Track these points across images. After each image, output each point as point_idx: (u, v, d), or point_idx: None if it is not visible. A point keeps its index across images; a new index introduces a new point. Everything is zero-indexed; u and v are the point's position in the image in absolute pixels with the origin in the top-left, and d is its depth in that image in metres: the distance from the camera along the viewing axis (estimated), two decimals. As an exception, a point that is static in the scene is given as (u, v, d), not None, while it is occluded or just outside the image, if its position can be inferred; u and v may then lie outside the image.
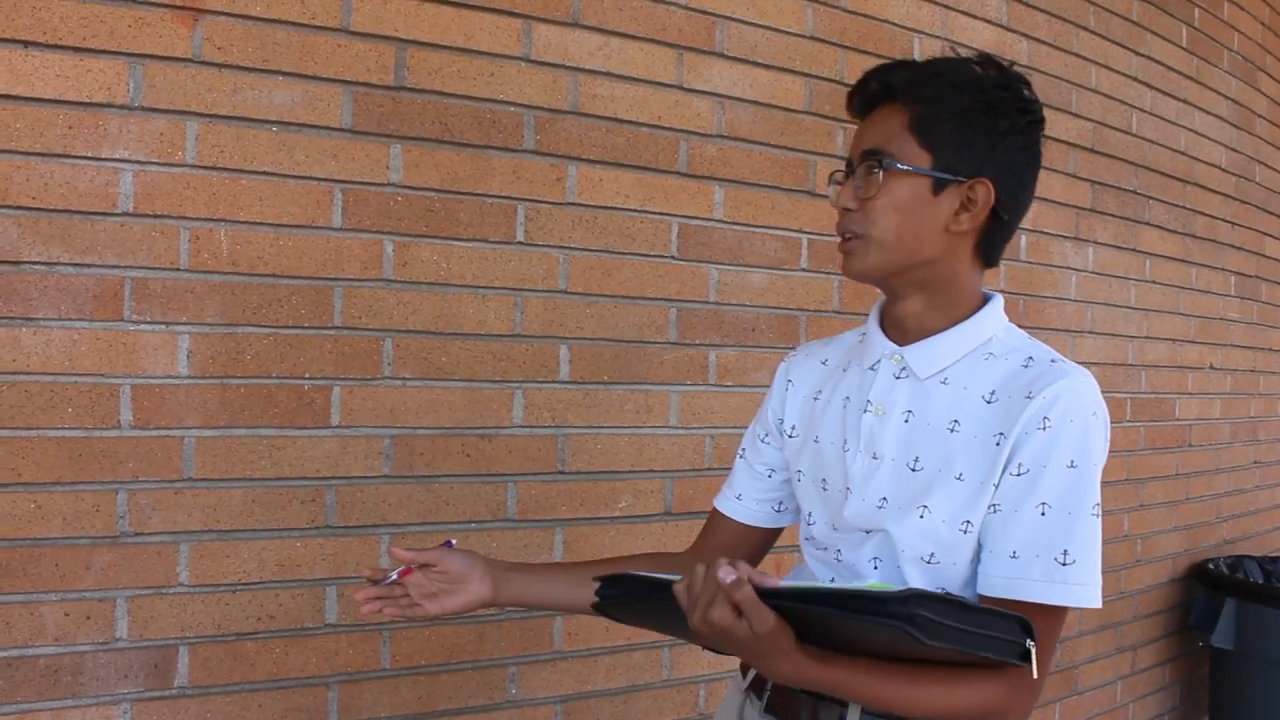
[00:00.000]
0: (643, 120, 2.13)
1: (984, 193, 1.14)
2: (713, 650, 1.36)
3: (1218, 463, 3.77)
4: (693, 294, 2.22)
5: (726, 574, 0.98)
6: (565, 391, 2.05)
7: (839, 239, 1.20)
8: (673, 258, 2.18)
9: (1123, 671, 3.39)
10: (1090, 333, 3.15)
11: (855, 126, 1.22)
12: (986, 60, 1.17)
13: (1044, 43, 2.95)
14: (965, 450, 1.14)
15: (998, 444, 1.11)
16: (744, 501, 1.40)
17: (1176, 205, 3.48)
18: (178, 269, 1.67)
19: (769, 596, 0.98)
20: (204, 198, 1.68)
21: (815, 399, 1.31)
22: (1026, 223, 2.89)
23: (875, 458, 1.20)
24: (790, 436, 1.33)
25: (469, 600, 1.32)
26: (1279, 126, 4.10)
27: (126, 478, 1.64)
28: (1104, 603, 3.39)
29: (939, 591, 0.99)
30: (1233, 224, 3.78)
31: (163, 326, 1.66)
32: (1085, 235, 3.12)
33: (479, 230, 1.94)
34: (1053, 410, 1.09)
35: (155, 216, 1.65)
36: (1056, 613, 1.10)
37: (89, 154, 1.60)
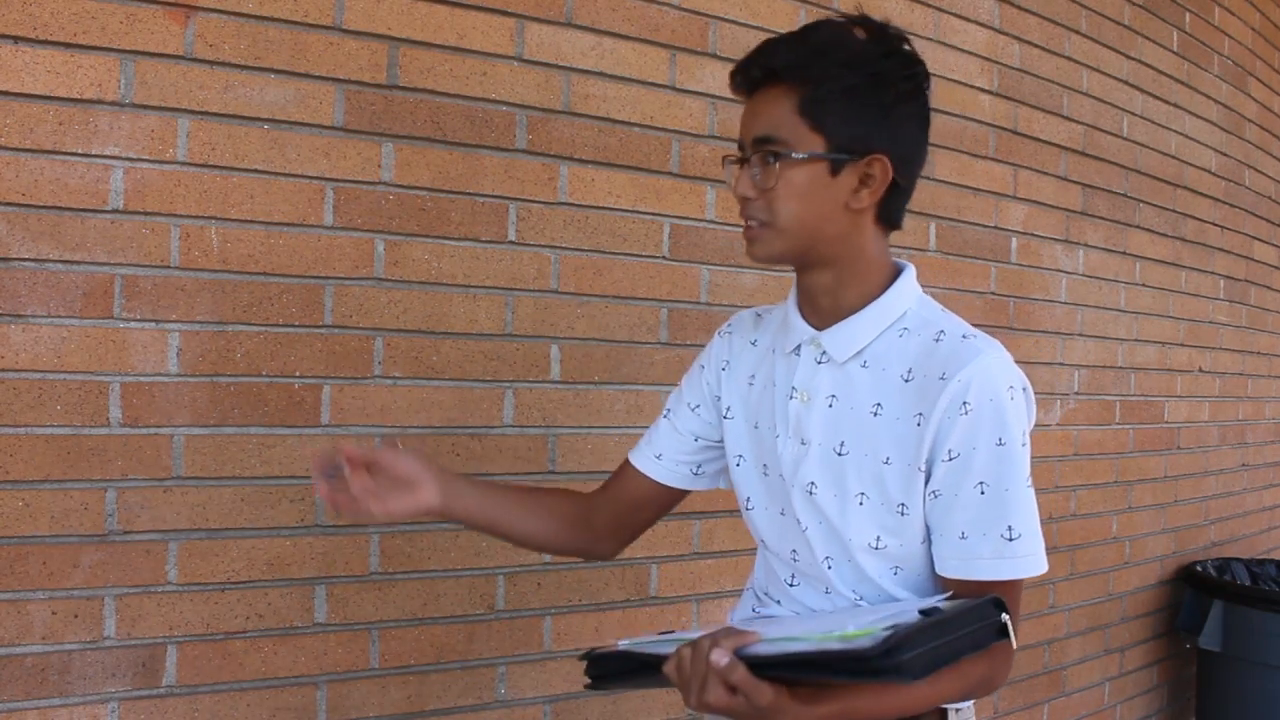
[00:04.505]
0: (635, 120, 2.13)
1: (881, 168, 1.14)
2: None
3: (1206, 466, 3.79)
4: (684, 294, 2.22)
5: (720, 657, 0.99)
6: (556, 391, 2.05)
7: (742, 225, 1.20)
8: (664, 258, 2.19)
9: (1110, 673, 3.41)
10: (1080, 335, 3.16)
11: None
12: (864, 22, 1.16)
13: (1036, 45, 2.96)
14: (889, 433, 1.15)
15: (918, 424, 1.13)
16: (664, 461, 1.41)
17: (1166, 209, 3.50)
18: (168, 267, 1.67)
19: (759, 668, 0.99)
20: (195, 195, 1.68)
21: (750, 384, 1.32)
22: (1017, 224, 2.92)
23: (803, 443, 1.21)
24: (726, 418, 1.34)
25: (414, 505, 1.29)
26: (1268, 131, 4.13)
27: (115, 476, 1.64)
28: (1092, 605, 3.39)
29: (914, 619, 0.99)
30: (1222, 228, 3.80)
31: (153, 324, 1.66)
32: (1075, 238, 3.14)
33: (470, 229, 1.94)
34: (969, 394, 1.10)
35: (146, 214, 1.65)
36: (1012, 585, 1.12)
37: (79, 151, 1.59)
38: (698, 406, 1.39)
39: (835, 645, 0.97)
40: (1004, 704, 2.98)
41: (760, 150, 1.15)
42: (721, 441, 1.37)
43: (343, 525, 1.83)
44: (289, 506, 1.78)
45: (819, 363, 1.21)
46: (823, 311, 1.22)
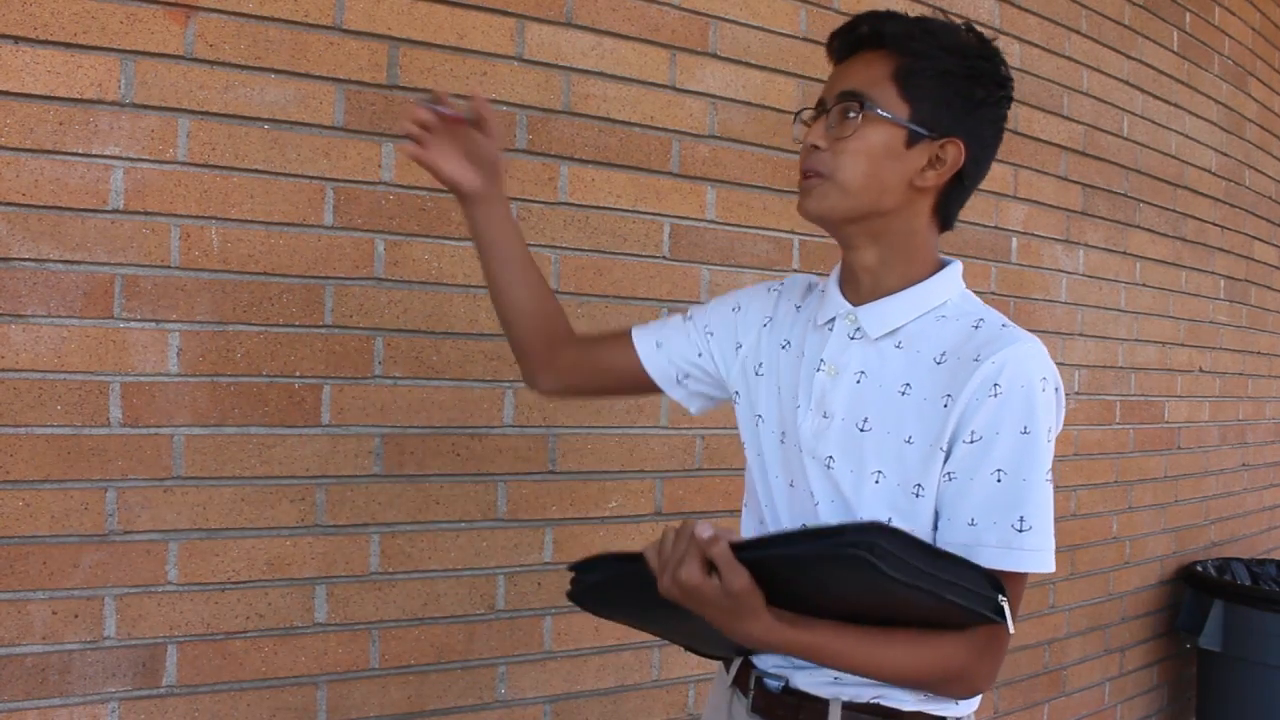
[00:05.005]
0: (635, 120, 2.13)
1: (954, 153, 1.15)
2: (694, 652, 1.36)
3: (1206, 466, 3.79)
4: (684, 294, 2.22)
5: (704, 530, 0.98)
6: (556, 391, 2.05)
7: (800, 176, 1.19)
8: (664, 258, 2.19)
9: (1111, 673, 3.41)
10: (1080, 335, 3.16)
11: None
12: (970, 29, 1.18)
13: (1036, 45, 2.96)
14: (915, 413, 1.14)
15: (945, 406, 1.12)
16: (660, 352, 1.39)
17: (1167, 209, 3.50)
18: (168, 266, 1.67)
19: (737, 550, 0.98)
20: (195, 195, 1.68)
21: (784, 348, 1.30)
22: (1017, 225, 2.92)
23: (825, 416, 1.20)
24: (759, 374, 1.32)
25: (461, 178, 1.32)
26: (1269, 131, 4.13)
27: (115, 476, 1.64)
28: (1093, 605, 3.38)
29: (906, 531, 1.00)
30: (1222, 228, 3.80)
31: (153, 324, 1.66)
32: (1076, 238, 3.14)
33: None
34: (1001, 376, 1.09)
35: (146, 214, 1.65)
36: (1015, 579, 1.10)
37: (80, 151, 1.59)
38: (712, 334, 1.37)
39: (814, 527, 0.99)
40: (1004, 704, 2.99)
41: (844, 103, 1.15)
42: (714, 371, 1.37)
43: (342, 524, 1.83)
44: (289, 506, 1.78)
45: (852, 338, 1.21)
46: (863, 290, 1.22)
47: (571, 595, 1.20)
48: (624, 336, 1.42)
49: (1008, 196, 2.90)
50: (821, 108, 1.19)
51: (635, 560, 1.07)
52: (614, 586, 1.17)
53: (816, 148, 1.17)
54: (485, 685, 1.99)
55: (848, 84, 1.16)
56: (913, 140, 1.14)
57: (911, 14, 1.19)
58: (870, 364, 1.19)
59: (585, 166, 2.07)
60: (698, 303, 2.22)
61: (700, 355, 1.38)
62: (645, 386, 1.42)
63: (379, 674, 1.87)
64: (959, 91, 1.14)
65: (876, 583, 0.96)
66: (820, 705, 1.19)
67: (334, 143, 1.79)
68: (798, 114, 1.23)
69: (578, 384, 1.48)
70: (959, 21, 1.18)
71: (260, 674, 1.76)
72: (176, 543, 1.69)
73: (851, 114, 1.14)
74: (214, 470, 1.71)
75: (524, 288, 1.41)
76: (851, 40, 1.19)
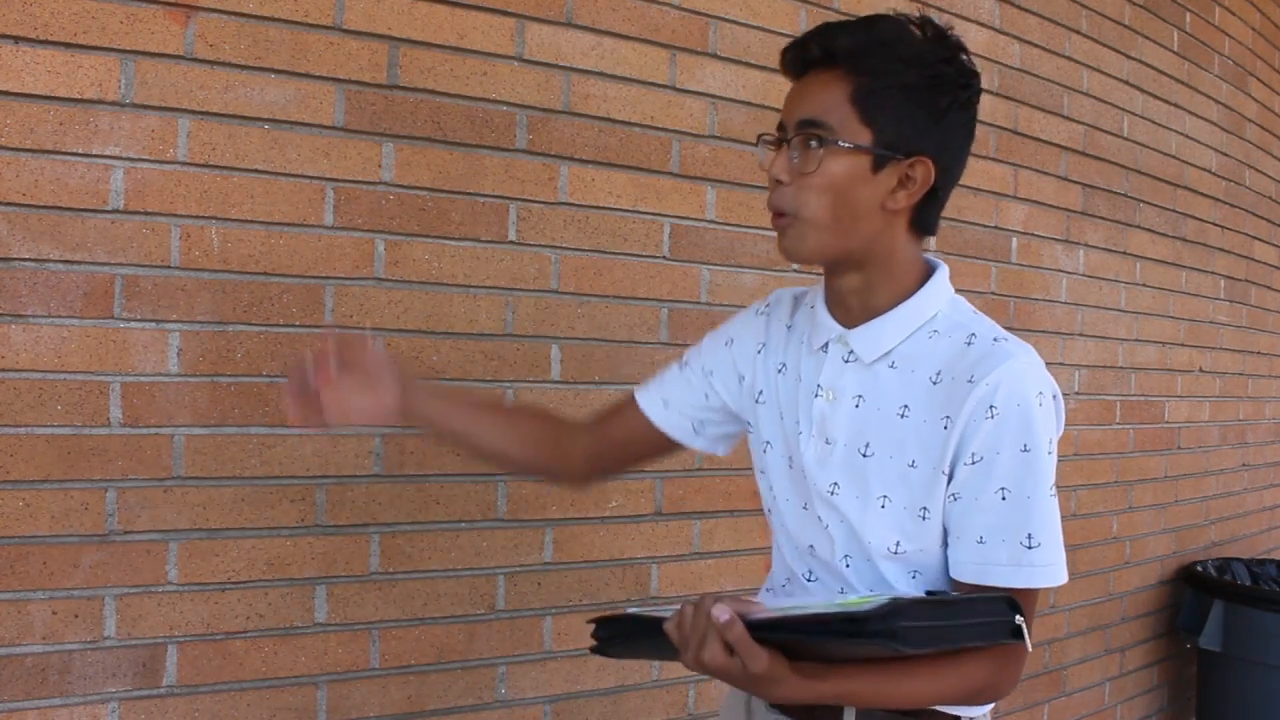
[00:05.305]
0: (635, 120, 2.13)
1: (924, 171, 1.12)
2: None
3: (1206, 466, 3.79)
4: (684, 294, 2.22)
5: (720, 613, 0.98)
6: (556, 391, 2.05)
7: (771, 215, 1.16)
8: (664, 258, 2.19)
9: (1111, 673, 3.41)
10: (1080, 335, 3.16)
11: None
12: (926, 23, 1.13)
13: (1036, 46, 2.96)
14: (915, 436, 1.13)
15: (945, 427, 1.11)
16: (670, 410, 1.37)
17: (1167, 209, 3.50)
18: (168, 266, 1.67)
19: (758, 629, 0.99)
20: (195, 195, 1.68)
21: (780, 372, 1.29)
22: (1017, 224, 2.92)
23: (828, 443, 1.19)
24: (759, 402, 1.31)
25: (374, 408, 1.30)
26: (1269, 131, 4.13)
27: (115, 476, 1.64)
28: (1093, 605, 3.38)
29: (917, 595, 0.99)
30: (1222, 228, 3.80)
31: (153, 324, 1.66)
32: (1076, 238, 3.14)
33: (471, 229, 1.94)
34: (997, 397, 1.08)
35: (146, 214, 1.65)
36: (1028, 594, 1.10)
37: (80, 151, 1.59)
38: (712, 373, 1.35)
39: (835, 610, 0.98)
40: (1004, 704, 2.98)
41: (804, 133, 1.11)
42: (725, 408, 1.36)
43: (343, 524, 1.83)
44: (289, 506, 1.78)
45: (846, 361, 1.19)
46: (852, 311, 1.20)
47: (595, 649, 1.20)
48: (629, 406, 1.40)
49: (1008, 196, 2.90)
50: (782, 132, 1.15)
51: (656, 626, 1.08)
52: (637, 641, 1.18)
53: (780, 182, 1.13)
54: (485, 685, 1.99)
55: (806, 111, 1.12)
56: (879, 164, 1.11)
57: (862, 17, 1.14)
58: (867, 387, 1.18)
59: (585, 166, 2.07)
60: (697, 304, 2.23)
61: (708, 398, 1.36)
62: (669, 446, 1.40)
63: (379, 674, 1.87)
64: (922, 104, 1.10)
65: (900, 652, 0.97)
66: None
67: (334, 143, 1.79)
68: (760, 138, 1.19)
69: (604, 467, 1.48)
70: (913, 14, 1.14)
71: (260, 674, 1.76)
72: (176, 543, 1.69)
73: (813, 144, 1.10)
74: (214, 470, 1.71)
75: (501, 436, 1.40)
76: (804, 60, 1.14)
